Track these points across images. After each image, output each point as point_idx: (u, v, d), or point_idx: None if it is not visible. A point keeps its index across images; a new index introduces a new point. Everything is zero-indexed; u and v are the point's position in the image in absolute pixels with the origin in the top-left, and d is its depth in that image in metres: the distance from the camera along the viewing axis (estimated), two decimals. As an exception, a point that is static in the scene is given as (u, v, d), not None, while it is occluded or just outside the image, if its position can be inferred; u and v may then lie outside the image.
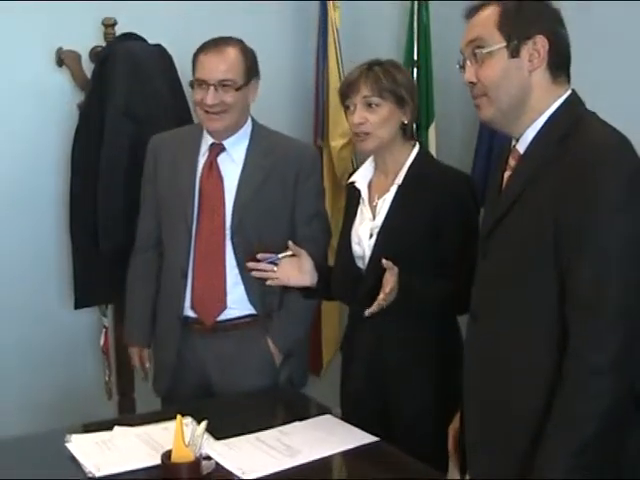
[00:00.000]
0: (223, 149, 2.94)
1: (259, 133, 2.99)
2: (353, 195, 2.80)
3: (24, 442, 2.62)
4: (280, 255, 2.76)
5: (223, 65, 2.83)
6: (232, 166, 2.94)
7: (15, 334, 3.64)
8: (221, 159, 2.95)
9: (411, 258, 2.61)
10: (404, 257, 2.57)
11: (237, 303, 2.94)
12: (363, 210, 2.75)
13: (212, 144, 2.95)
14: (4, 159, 3.54)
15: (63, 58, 3.56)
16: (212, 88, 2.81)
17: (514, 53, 1.98)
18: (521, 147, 2.05)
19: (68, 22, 3.54)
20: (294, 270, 2.79)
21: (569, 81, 2.06)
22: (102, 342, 3.76)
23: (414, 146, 2.73)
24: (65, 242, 3.63)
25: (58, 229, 3.66)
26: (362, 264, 2.73)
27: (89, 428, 2.63)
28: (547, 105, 2.01)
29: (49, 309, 3.71)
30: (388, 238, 2.66)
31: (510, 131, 2.09)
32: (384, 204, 2.69)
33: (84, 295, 3.62)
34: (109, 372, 3.80)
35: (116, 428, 2.60)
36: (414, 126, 2.76)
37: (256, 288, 2.93)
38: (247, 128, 2.98)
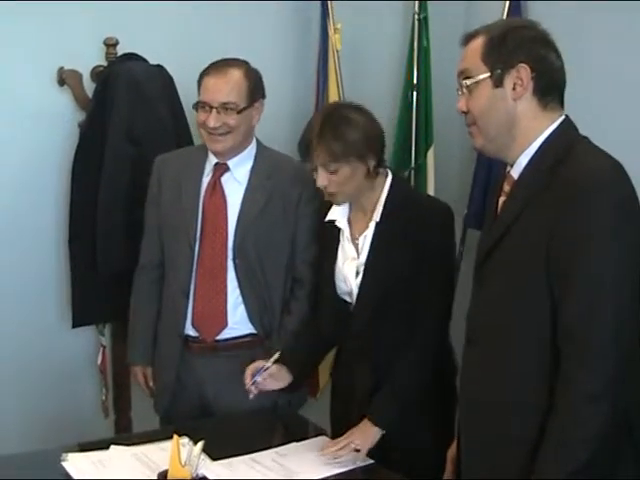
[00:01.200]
0: (227, 169, 2.96)
1: (263, 154, 3.00)
2: (332, 232, 2.79)
3: (20, 460, 2.61)
4: (267, 364, 2.72)
5: (225, 88, 2.84)
6: (236, 186, 2.96)
7: (12, 352, 3.63)
8: (225, 179, 2.97)
9: (397, 294, 2.66)
10: (390, 293, 2.64)
11: (238, 323, 2.95)
12: (345, 248, 2.76)
13: (216, 164, 2.97)
14: (4, 177, 3.54)
15: (64, 77, 3.56)
16: (214, 111, 2.83)
17: (498, 83, 2.02)
18: (515, 173, 2.07)
19: (70, 41, 3.55)
20: (272, 381, 2.77)
21: (562, 106, 2.08)
22: (99, 361, 3.75)
23: (387, 176, 2.71)
24: (64, 261, 3.63)
25: (57, 248, 3.65)
26: (349, 298, 2.76)
27: (85, 447, 2.63)
28: (539, 131, 2.03)
29: (47, 328, 3.70)
30: (374, 276, 2.68)
31: (502, 157, 2.11)
32: (365, 241, 2.70)
33: (82, 314, 3.61)
34: (106, 391, 3.79)
35: (112, 447, 2.60)
36: (383, 161, 2.70)
37: (256, 308, 2.95)
38: (252, 149, 2.99)
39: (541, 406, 1.95)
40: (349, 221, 2.76)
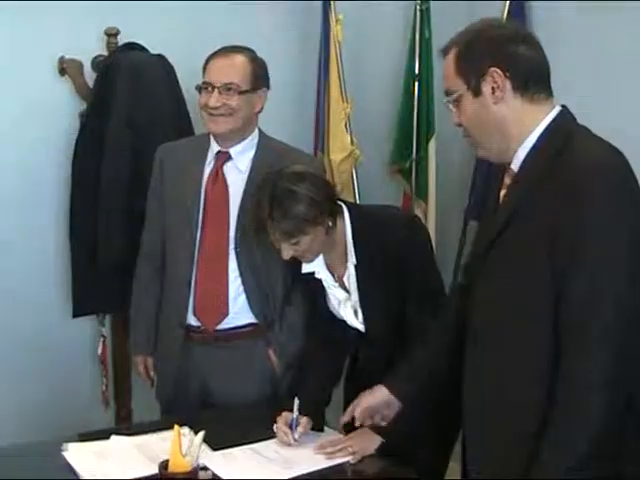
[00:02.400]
0: (229, 158, 2.95)
1: (265, 144, 3.00)
2: (313, 281, 2.79)
3: (21, 451, 2.62)
4: (294, 415, 2.65)
5: (229, 69, 2.86)
6: (238, 175, 2.95)
7: (13, 342, 3.63)
8: (227, 168, 2.96)
9: (400, 314, 2.69)
10: (394, 317, 2.69)
11: (239, 312, 2.95)
12: (334, 292, 2.78)
13: (218, 152, 2.96)
14: (5, 167, 3.53)
15: (65, 67, 3.56)
16: (216, 91, 2.84)
17: (476, 92, 2.04)
18: (515, 166, 2.07)
19: (71, 31, 3.54)
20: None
21: (551, 95, 2.07)
22: (100, 351, 3.76)
23: (343, 212, 2.70)
24: (64, 250, 3.63)
25: (57, 237, 3.65)
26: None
27: (86, 437, 2.63)
28: (534, 124, 2.03)
29: (47, 317, 3.70)
30: (373, 312, 2.71)
31: (505, 161, 2.10)
32: (350, 280, 2.72)
33: (82, 304, 3.61)
34: (106, 381, 3.79)
35: (113, 437, 2.60)
36: (335, 205, 2.68)
37: (258, 298, 2.94)
38: (254, 139, 2.99)
39: (543, 403, 1.94)
40: (327, 266, 2.78)
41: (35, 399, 3.69)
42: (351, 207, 2.74)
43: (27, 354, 3.68)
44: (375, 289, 2.67)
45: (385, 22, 4.22)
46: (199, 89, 2.90)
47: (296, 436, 2.61)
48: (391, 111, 4.17)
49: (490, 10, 3.55)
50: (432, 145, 4.04)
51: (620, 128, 3.09)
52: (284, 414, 2.66)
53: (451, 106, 2.10)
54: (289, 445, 2.60)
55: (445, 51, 2.11)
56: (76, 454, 2.48)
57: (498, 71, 2.00)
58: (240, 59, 2.88)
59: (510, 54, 2.02)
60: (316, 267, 2.75)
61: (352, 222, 2.68)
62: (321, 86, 4.05)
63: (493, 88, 2.01)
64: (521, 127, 2.03)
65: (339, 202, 2.72)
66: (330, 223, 2.62)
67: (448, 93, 2.10)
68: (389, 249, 2.62)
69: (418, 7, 3.99)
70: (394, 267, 2.62)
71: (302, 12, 4.11)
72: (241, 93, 2.85)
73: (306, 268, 2.76)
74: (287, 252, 2.61)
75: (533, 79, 2.03)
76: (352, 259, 2.67)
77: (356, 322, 2.74)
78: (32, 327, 3.67)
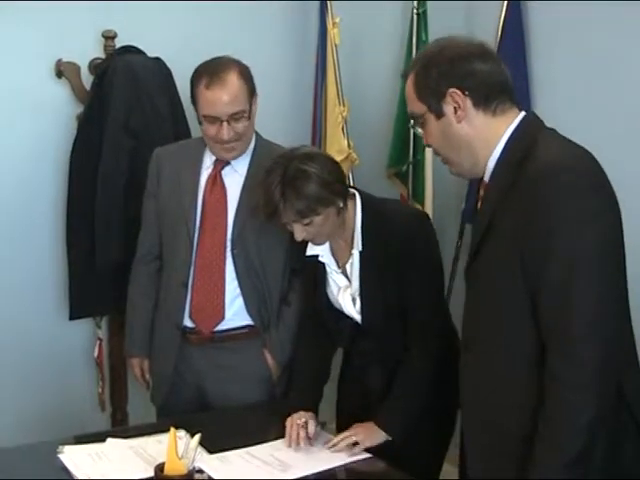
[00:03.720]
0: (227, 162, 2.95)
1: (262, 146, 3.00)
2: (315, 265, 2.79)
3: (16, 453, 2.61)
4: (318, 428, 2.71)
5: (230, 99, 2.79)
6: (235, 178, 2.96)
7: (9, 344, 3.63)
8: (225, 172, 2.96)
9: (396, 308, 2.68)
10: (390, 311, 2.68)
11: (235, 314, 2.95)
12: (335, 278, 2.77)
13: (217, 159, 2.96)
14: (2, 169, 3.54)
15: (62, 70, 3.57)
16: (225, 124, 2.81)
17: (438, 114, 2.07)
18: (487, 177, 2.09)
19: (68, 34, 3.55)
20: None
21: (515, 104, 2.09)
22: (96, 354, 3.76)
23: (355, 198, 2.71)
24: (61, 253, 3.63)
25: (54, 240, 3.66)
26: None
27: (82, 439, 2.63)
28: (498, 136, 2.05)
29: (44, 320, 3.70)
30: (371, 302, 2.70)
31: (477, 175, 2.13)
32: (353, 268, 2.72)
33: (79, 306, 3.62)
34: (102, 384, 3.80)
35: (109, 440, 2.60)
36: (348, 189, 2.69)
37: (254, 300, 2.95)
38: (251, 143, 2.99)
39: (535, 404, 1.95)
40: (332, 251, 2.78)
41: (31, 401, 3.70)
42: (363, 194, 2.74)
43: (24, 356, 3.68)
44: (376, 279, 2.67)
45: (382, 25, 4.23)
46: (200, 121, 2.87)
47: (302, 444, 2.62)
48: (388, 114, 4.17)
49: (487, 12, 3.55)
50: (429, 149, 4.02)
51: (619, 128, 3.12)
52: (301, 413, 2.67)
53: (418, 128, 2.14)
54: (291, 446, 2.61)
55: (404, 76, 2.15)
56: (72, 456, 2.48)
57: (457, 92, 2.03)
58: (234, 81, 2.81)
59: (466, 73, 2.04)
60: (321, 251, 2.75)
61: (363, 209, 2.69)
62: (318, 89, 4.06)
63: (455, 108, 2.05)
64: (487, 141, 2.06)
65: (352, 189, 2.73)
66: (341, 204, 2.62)
67: (412, 117, 2.14)
68: (394, 240, 2.62)
69: (415, 10, 3.98)
70: (397, 260, 2.62)
71: (299, 16, 4.12)
72: (248, 117, 2.85)
73: (311, 251, 2.76)
74: (300, 233, 2.61)
75: (493, 93, 2.05)
76: (358, 246, 2.67)
77: (353, 311, 2.73)
78: (29, 329, 3.67)
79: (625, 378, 1.96)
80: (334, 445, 2.59)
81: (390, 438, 2.60)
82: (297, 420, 2.65)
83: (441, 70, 2.04)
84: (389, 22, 4.22)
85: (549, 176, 1.89)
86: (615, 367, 1.90)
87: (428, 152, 4.03)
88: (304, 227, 2.59)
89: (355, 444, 2.57)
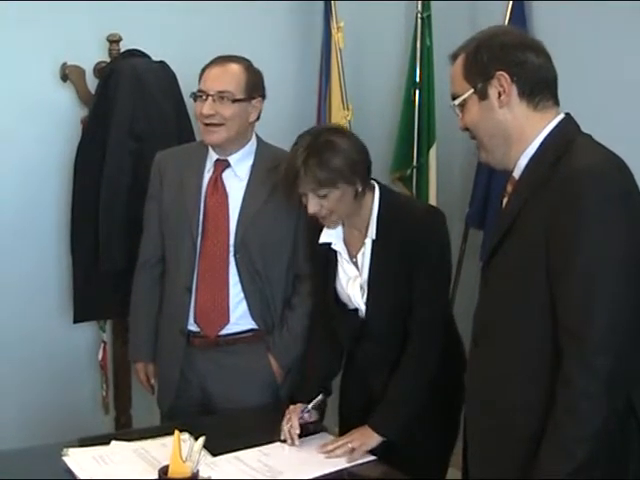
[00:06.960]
0: (228, 165, 2.96)
1: (264, 150, 3.00)
2: (327, 252, 2.79)
3: (21, 455, 2.62)
4: (309, 406, 2.71)
5: (223, 77, 2.86)
6: (237, 183, 2.96)
7: (14, 347, 3.63)
8: (226, 175, 2.96)
9: (402, 305, 2.67)
10: (396, 306, 2.68)
11: (239, 318, 2.95)
12: (345, 268, 2.76)
13: (217, 160, 2.96)
14: (7, 172, 3.54)
15: (67, 73, 3.57)
16: (210, 99, 2.84)
17: (482, 95, 2.07)
18: (516, 173, 2.09)
19: (73, 37, 3.55)
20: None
21: (556, 102, 2.09)
22: (100, 357, 3.76)
23: (374, 189, 2.72)
24: (65, 256, 3.63)
25: (59, 244, 3.66)
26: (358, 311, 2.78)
27: (86, 442, 2.63)
28: (536, 132, 2.05)
29: (48, 323, 3.70)
30: (379, 293, 2.70)
31: (506, 167, 2.12)
32: (364, 258, 2.71)
33: (83, 310, 3.61)
34: (106, 387, 3.79)
35: (113, 443, 2.60)
36: (369, 179, 2.70)
37: (258, 304, 2.95)
38: (252, 146, 2.99)
39: (543, 405, 1.95)
40: (344, 241, 2.77)
41: (36, 404, 3.70)
42: (382, 187, 2.75)
43: (28, 359, 3.68)
44: (386, 270, 2.66)
45: (386, 30, 4.23)
46: (194, 97, 2.91)
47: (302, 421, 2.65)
48: (392, 118, 4.18)
49: (491, 18, 3.55)
50: (433, 152, 4.04)
51: (622, 129, 3.12)
52: (298, 405, 2.69)
53: (457, 110, 2.12)
54: (288, 444, 2.63)
55: (454, 56, 2.13)
56: (76, 459, 2.48)
57: (505, 75, 2.03)
58: (235, 68, 2.89)
59: (518, 60, 2.04)
60: (334, 238, 2.75)
61: (380, 200, 2.69)
62: (322, 93, 4.06)
63: (499, 92, 2.04)
64: (524, 134, 2.05)
65: (373, 180, 2.73)
66: (360, 188, 2.62)
67: (454, 97, 2.12)
68: (408, 233, 2.63)
69: (419, 15, 4.00)
70: (408, 252, 2.62)
71: (303, 19, 4.11)
72: (235, 101, 2.86)
73: (324, 238, 2.76)
74: (314, 206, 2.61)
75: (539, 87, 2.05)
76: (372, 234, 2.67)
77: (361, 302, 2.72)
78: (33, 332, 3.67)
79: (636, 392, 1.96)
80: (329, 452, 2.58)
81: (385, 439, 2.59)
82: (293, 412, 2.67)
83: (494, 52, 2.05)
84: (393, 27, 4.23)
85: (581, 178, 1.89)
86: (627, 375, 1.90)
87: (432, 156, 4.04)
88: (319, 200, 2.59)
89: (352, 450, 2.57)
